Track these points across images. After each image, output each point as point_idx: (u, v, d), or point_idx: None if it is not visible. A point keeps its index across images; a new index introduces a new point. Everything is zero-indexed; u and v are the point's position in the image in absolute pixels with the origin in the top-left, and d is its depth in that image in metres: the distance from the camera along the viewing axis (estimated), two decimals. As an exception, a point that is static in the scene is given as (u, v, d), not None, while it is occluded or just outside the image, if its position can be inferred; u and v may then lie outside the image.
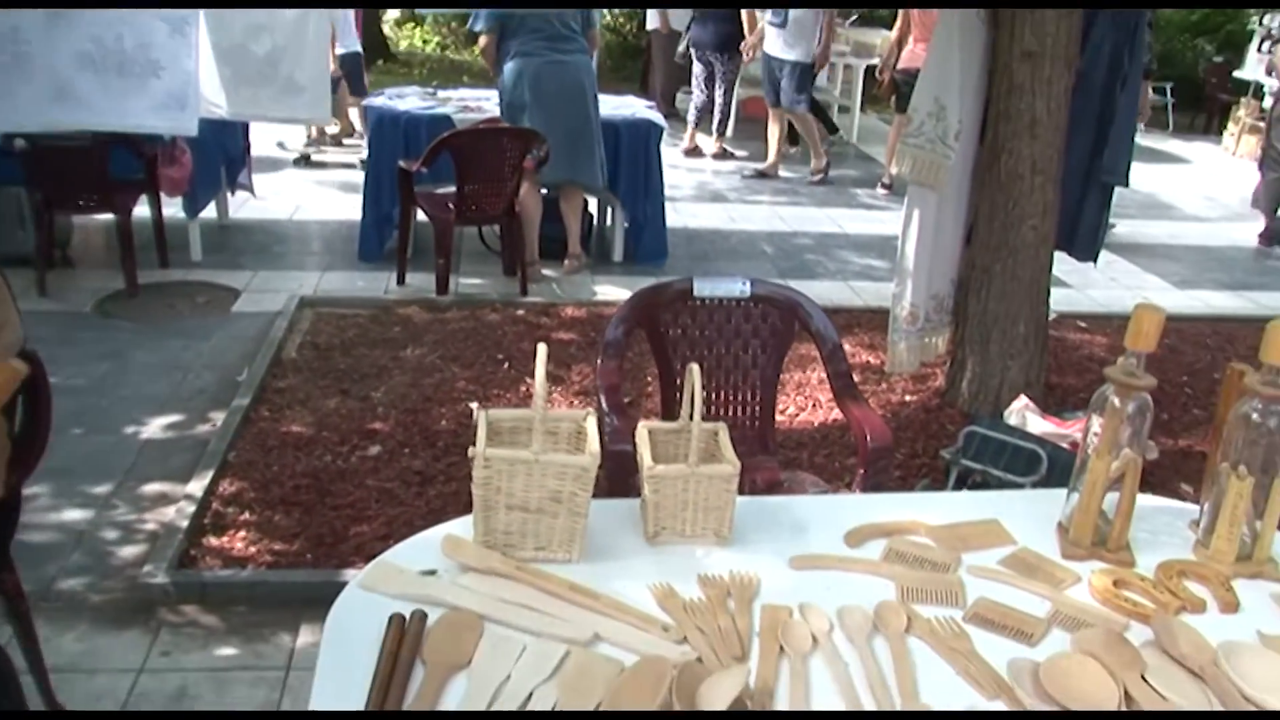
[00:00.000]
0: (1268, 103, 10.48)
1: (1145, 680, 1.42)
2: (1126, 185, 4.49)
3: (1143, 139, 7.65)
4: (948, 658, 1.50)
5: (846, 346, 2.99)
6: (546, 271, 5.79)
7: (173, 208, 5.64)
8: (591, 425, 1.71)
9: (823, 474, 3.65)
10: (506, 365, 4.58)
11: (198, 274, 5.60)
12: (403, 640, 1.38)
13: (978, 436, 3.64)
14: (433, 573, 1.55)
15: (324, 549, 3.18)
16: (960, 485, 3.54)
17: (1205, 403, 4.61)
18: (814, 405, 4.47)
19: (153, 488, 3.54)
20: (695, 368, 1.71)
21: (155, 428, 3.96)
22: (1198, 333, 5.65)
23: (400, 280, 5.52)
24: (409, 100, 6.15)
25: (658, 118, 6.29)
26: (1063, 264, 4.55)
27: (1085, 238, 4.50)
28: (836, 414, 4.39)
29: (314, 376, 4.33)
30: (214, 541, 3.22)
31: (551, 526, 1.61)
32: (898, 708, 1.38)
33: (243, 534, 3.26)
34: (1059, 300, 4.67)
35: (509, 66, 5.39)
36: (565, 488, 1.59)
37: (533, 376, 4.47)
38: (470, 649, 1.39)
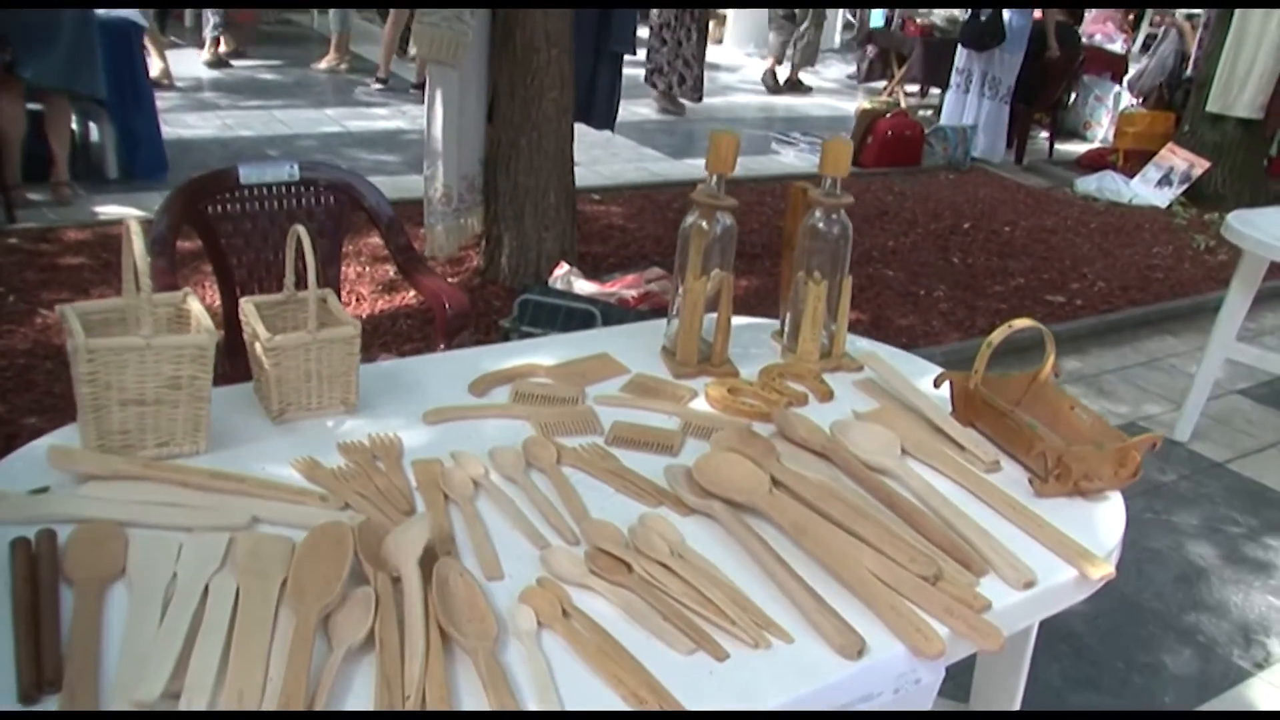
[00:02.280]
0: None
1: (783, 464, 1.55)
2: (634, 53, 4.72)
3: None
4: (604, 479, 1.54)
5: (379, 239, 2.92)
6: (32, 195, 5.14)
7: None
8: (195, 304, 1.56)
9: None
10: (11, 299, 4.06)
11: None
12: (36, 564, 1.20)
13: (531, 303, 3.74)
14: (45, 489, 1.36)
15: None
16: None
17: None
18: (357, 299, 4.38)
19: None
20: (300, 227, 1.60)
21: None
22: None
23: None
24: None
25: (137, 15, 5.72)
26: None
27: (602, 107, 4.70)
28: (381, 304, 4.34)
29: None
30: None
31: (173, 417, 1.46)
32: (572, 528, 1.41)
33: None
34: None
35: None
36: (184, 371, 1.44)
37: (45, 307, 4.03)
38: (119, 559, 1.24)
